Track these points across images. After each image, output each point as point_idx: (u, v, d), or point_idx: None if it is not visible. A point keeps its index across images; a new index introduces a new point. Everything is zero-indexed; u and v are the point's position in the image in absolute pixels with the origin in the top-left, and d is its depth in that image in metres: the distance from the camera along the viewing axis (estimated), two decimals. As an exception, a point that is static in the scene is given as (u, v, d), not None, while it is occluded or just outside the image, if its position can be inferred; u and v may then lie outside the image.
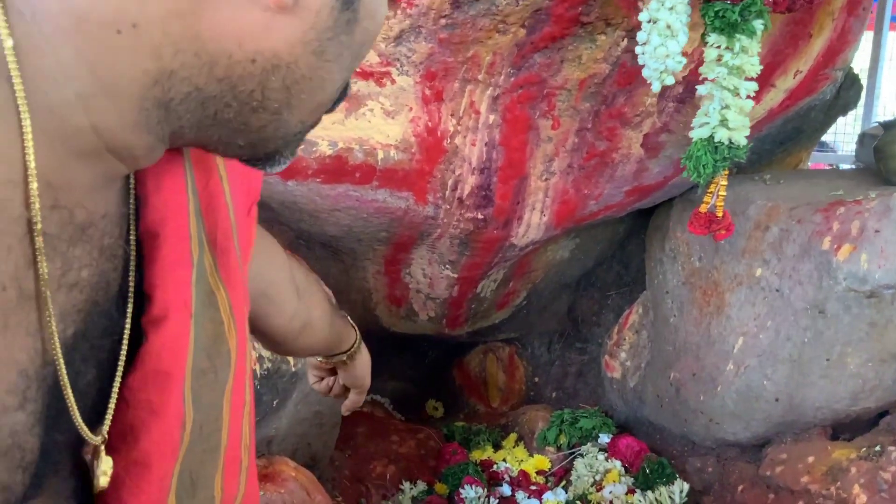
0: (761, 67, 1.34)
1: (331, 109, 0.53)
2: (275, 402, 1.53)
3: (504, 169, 1.88)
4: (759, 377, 1.86)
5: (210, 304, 0.57)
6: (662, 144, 1.88)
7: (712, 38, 1.30)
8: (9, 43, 0.39)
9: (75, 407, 0.48)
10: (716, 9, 1.27)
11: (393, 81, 1.70)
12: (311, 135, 1.76)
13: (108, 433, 0.52)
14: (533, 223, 2.02)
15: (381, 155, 1.80)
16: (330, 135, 1.75)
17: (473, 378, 2.83)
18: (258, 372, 1.46)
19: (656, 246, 2.27)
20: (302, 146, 1.73)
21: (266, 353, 1.48)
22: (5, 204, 0.39)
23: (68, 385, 0.46)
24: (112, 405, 0.52)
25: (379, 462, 2.19)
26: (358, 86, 1.69)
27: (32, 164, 0.40)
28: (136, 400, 0.52)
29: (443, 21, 1.54)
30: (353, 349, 1.06)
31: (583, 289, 2.74)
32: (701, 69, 1.37)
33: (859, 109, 3.37)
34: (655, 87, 1.31)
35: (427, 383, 2.89)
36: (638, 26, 1.57)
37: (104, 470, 0.51)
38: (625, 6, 1.53)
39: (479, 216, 1.96)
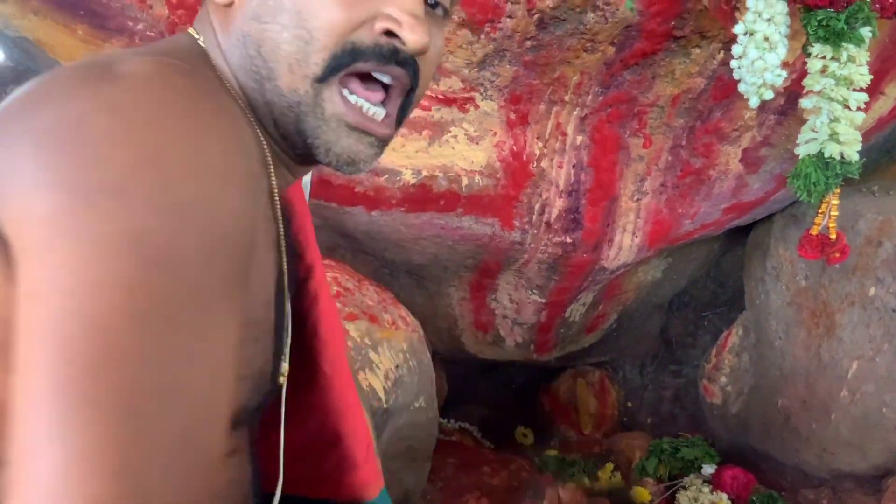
0: (871, 77, 1.24)
1: (322, 78, 0.59)
2: (367, 441, 1.49)
3: (593, 191, 1.81)
4: (877, 404, 1.73)
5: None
6: (763, 159, 1.77)
7: (816, 48, 1.21)
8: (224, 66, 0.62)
9: (290, 334, 0.68)
10: (819, 17, 1.17)
11: (476, 107, 1.66)
12: (395, 164, 1.74)
13: (318, 366, 0.78)
14: (625, 245, 1.94)
15: (465, 181, 1.76)
16: (414, 163, 1.72)
17: (563, 404, 2.75)
18: (349, 410, 1.43)
19: (756, 264, 2.15)
20: (385, 177, 1.70)
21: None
22: (264, 179, 0.59)
23: (290, 316, 0.68)
24: (288, 334, 0.69)
25: (471, 495, 2.12)
26: (441, 112, 1.65)
27: (270, 162, 0.61)
28: (331, 340, 0.79)
29: (528, 43, 1.49)
30: None
31: (676, 309, 2.63)
32: (805, 81, 1.27)
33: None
34: (753, 103, 1.22)
35: (515, 409, 2.82)
36: (735, 38, 1.49)
37: (283, 372, 0.66)
38: (722, 17, 1.44)
39: (568, 240, 1.89)
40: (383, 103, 0.61)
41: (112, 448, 0.41)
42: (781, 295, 2.02)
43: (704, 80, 1.58)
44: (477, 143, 1.71)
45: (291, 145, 0.62)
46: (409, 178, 1.73)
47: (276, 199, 0.61)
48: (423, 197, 1.76)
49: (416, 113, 1.65)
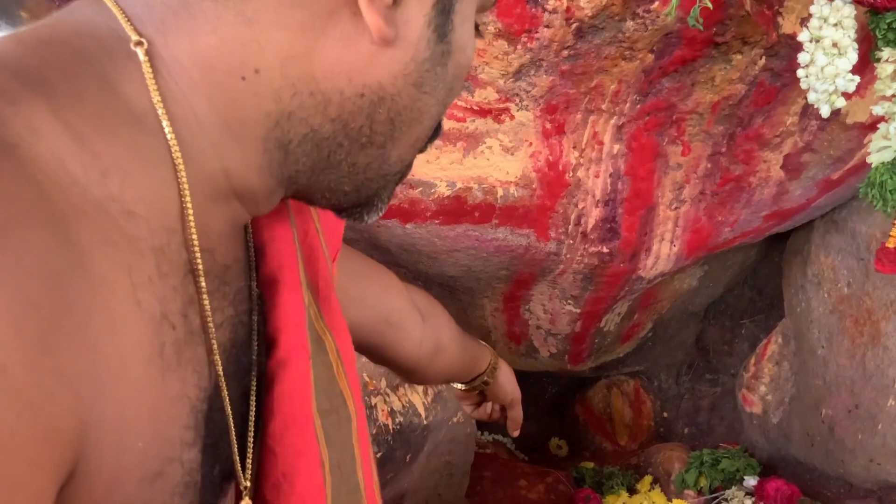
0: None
1: (423, 148, 0.54)
2: (407, 457, 1.47)
3: (630, 200, 1.78)
4: (929, 415, 1.68)
5: (320, 349, 0.59)
6: (805, 165, 1.73)
7: (885, 52, 1.17)
8: (156, 97, 0.41)
9: (235, 444, 0.50)
10: (888, 20, 1.14)
11: (512, 117, 1.64)
12: (430, 176, 1.72)
13: (258, 484, 0.53)
14: (662, 254, 1.91)
15: (500, 193, 1.74)
16: (448, 175, 1.70)
17: (598, 414, 2.71)
18: (391, 427, 1.41)
19: (796, 271, 2.11)
20: (419, 189, 1.69)
21: (398, 407, 1.43)
22: (168, 248, 0.42)
23: (231, 421, 0.48)
24: (251, 452, 0.52)
25: (508, 509, 2.10)
26: (476, 124, 1.64)
27: (190, 210, 0.43)
28: (282, 446, 0.53)
29: (565, 52, 1.47)
30: (489, 367, 1.03)
31: (712, 317, 2.59)
32: (875, 86, 1.23)
33: None
34: (825, 112, 1.18)
35: (549, 420, 2.79)
36: (778, 43, 1.46)
37: None
38: (763, 22, 1.41)
39: (605, 250, 1.87)
40: None
41: None
42: (823, 302, 1.98)
43: (745, 87, 1.55)
44: (512, 154, 1.69)
45: (326, 200, 0.52)
46: (443, 190, 1.71)
47: (199, 267, 0.44)
48: (457, 209, 1.75)
49: (450, 125, 1.63)
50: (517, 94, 1.59)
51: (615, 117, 1.64)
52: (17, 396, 0.32)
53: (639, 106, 1.61)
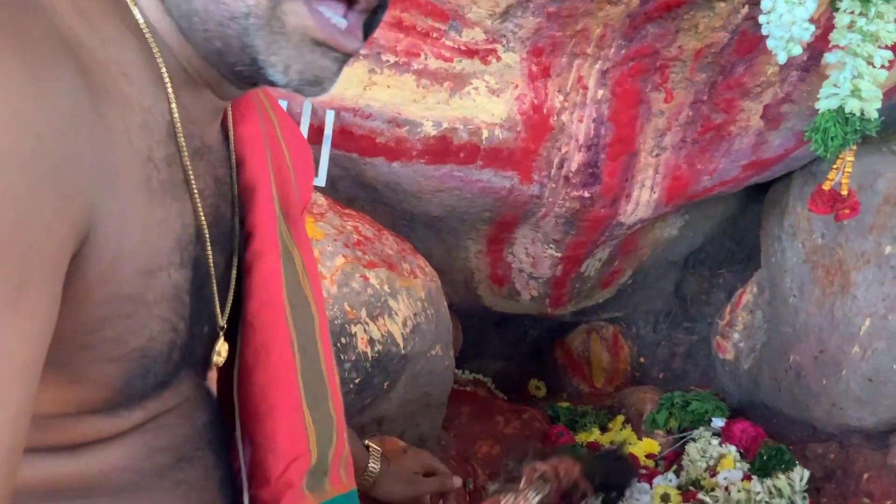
0: (899, 34, 1.24)
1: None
2: (385, 384, 1.53)
3: (612, 145, 1.82)
4: (888, 361, 1.75)
5: (288, 259, 0.68)
6: (784, 116, 1.77)
7: (845, 3, 1.20)
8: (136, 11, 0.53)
9: (216, 288, 0.61)
10: (852, -30, 1.17)
11: (498, 59, 1.66)
12: (416, 115, 1.75)
13: (242, 354, 0.65)
14: (642, 201, 1.95)
15: (485, 134, 1.77)
16: (434, 115, 1.73)
17: (576, 358, 2.78)
18: (369, 354, 1.46)
19: (774, 222, 2.16)
20: (405, 128, 1.71)
21: (377, 336, 1.48)
22: (154, 109, 0.52)
23: (213, 269, 0.59)
24: (230, 304, 0.64)
25: (484, 442, 2.18)
26: (463, 64, 1.66)
27: (169, 86, 0.53)
28: (259, 322, 0.64)
29: (551, -6, 1.49)
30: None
31: (691, 266, 2.64)
32: (831, 36, 1.27)
33: None
34: (781, 58, 1.22)
35: (529, 363, 2.86)
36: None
37: (219, 351, 0.64)
38: (747, -30, 1.44)
39: (586, 194, 1.91)
40: (345, 18, 0.55)
41: None
42: (797, 253, 2.03)
43: (728, 35, 1.58)
44: (498, 96, 1.72)
45: (225, 64, 0.55)
46: (429, 129, 1.74)
47: (180, 133, 0.54)
48: (443, 149, 1.78)
49: (437, 64, 1.65)
50: (504, 36, 1.62)
51: (600, 62, 1.67)
52: (49, 156, 0.42)
53: (623, 51, 1.63)
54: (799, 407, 2.02)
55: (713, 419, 2.14)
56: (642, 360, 2.72)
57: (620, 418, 2.31)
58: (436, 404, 1.86)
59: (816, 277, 1.96)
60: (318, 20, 0.52)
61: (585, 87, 1.71)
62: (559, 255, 2.21)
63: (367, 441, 1.08)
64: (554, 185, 1.90)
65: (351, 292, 1.48)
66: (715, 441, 2.07)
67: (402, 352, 1.54)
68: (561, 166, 1.86)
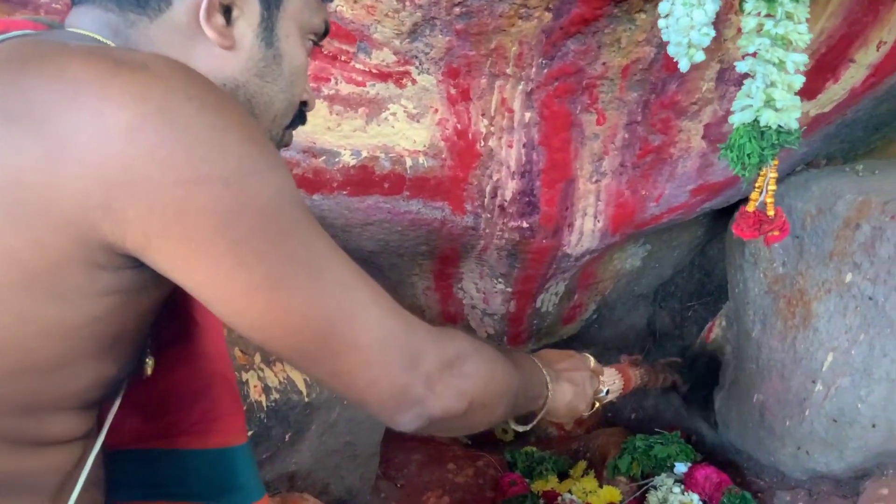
0: (811, 36, 1.11)
1: (292, 125, 0.81)
2: (287, 436, 1.40)
3: (547, 171, 1.70)
4: (853, 399, 1.59)
5: None
6: (727, 135, 1.64)
7: (749, 3, 1.08)
8: None
9: None
10: (752, -33, 1.05)
11: (414, 81, 1.56)
12: (333, 144, 1.64)
13: None
14: (586, 230, 1.82)
15: (409, 162, 1.66)
16: (352, 143, 1.62)
17: (545, 398, 2.63)
18: (264, 404, 1.34)
19: (736, 251, 2.02)
20: (322, 158, 1.61)
21: (273, 384, 1.36)
22: None
23: None
24: None
25: (433, 493, 2.03)
26: (377, 88, 1.56)
27: None
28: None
29: (457, 10, 1.39)
30: None
31: (661, 300, 2.50)
32: (739, 42, 1.15)
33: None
34: (683, 66, 1.10)
35: (495, 404, 2.71)
36: (681, 0, 1.37)
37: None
38: (662, -23, 1.32)
39: (525, 224, 1.78)
40: None
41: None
42: (759, 283, 1.89)
43: (654, 49, 1.46)
44: (418, 121, 1.62)
45: None
46: (348, 159, 1.64)
47: None
48: (365, 179, 1.67)
49: (349, 89, 1.55)
50: (416, 56, 1.51)
51: (522, 83, 1.56)
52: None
53: (545, 70, 1.52)
54: (765, 451, 1.86)
55: (676, 465, 1.98)
56: (615, 399, 2.57)
57: (582, 464, 2.16)
58: (364, 454, 1.72)
59: (778, 309, 1.82)
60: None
61: (511, 111, 1.60)
62: (510, 289, 2.08)
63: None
64: (489, 216, 1.78)
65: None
66: (677, 488, 1.92)
67: (306, 399, 1.42)
68: (494, 195, 1.74)
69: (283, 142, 0.81)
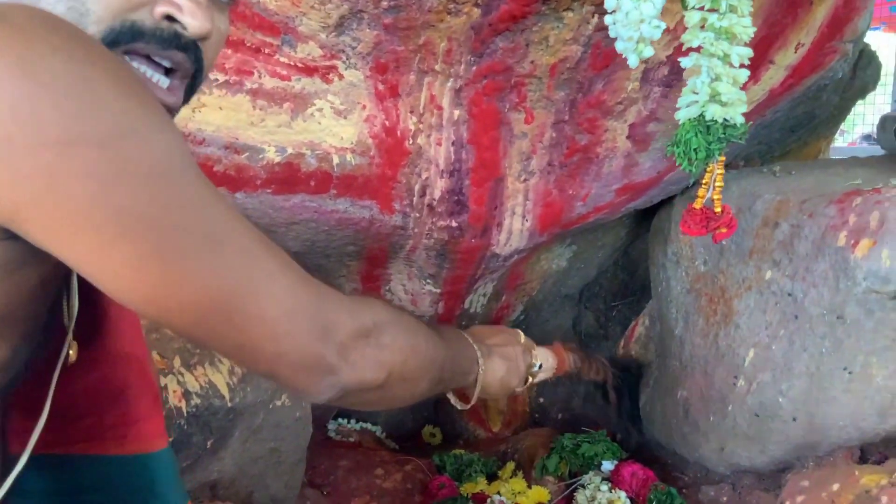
0: (754, 29, 1.13)
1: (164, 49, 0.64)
2: (209, 443, 1.35)
3: (476, 170, 1.69)
4: (774, 394, 1.64)
5: None
6: (652, 135, 1.67)
7: (693, -3, 1.10)
8: None
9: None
10: (695, -40, 1.06)
11: (341, 76, 1.52)
12: (256, 140, 1.59)
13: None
14: (514, 229, 1.82)
15: (336, 160, 1.63)
16: (277, 140, 1.58)
17: (473, 401, 2.62)
18: (184, 409, 1.28)
19: (658, 250, 2.05)
20: (245, 154, 1.56)
21: (194, 388, 1.30)
22: None
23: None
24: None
25: (361, 499, 1.99)
26: (302, 83, 1.52)
27: None
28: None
29: (385, 3, 1.36)
30: None
31: (586, 300, 2.53)
32: (683, 37, 1.16)
33: None
34: (632, 62, 1.10)
35: (423, 408, 2.68)
36: None
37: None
38: (589, -25, 1.33)
39: (454, 224, 1.77)
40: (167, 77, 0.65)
41: None
42: (681, 281, 1.93)
43: (581, 48, 1.47)
44: (345, 118, 1.58)
45: None
46: (272, 155, 1.59)
47: None
48: (290, 177, 1.63)
49: (273, 83, 1.51)
50: (343, 51, 1.48)
51: (451, 80, 1.54)
52: None
53: (474, 68, 1.51)
54: (690, 447, 1.90)
55: (603, 463, 2.00)
56: (542, 400, 2.58)
57: (511, 465, 2.16)
58: (290, 461, 1.67)
59: (700, 307, 1.85)
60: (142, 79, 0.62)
61: (440, 108, 1.59)
62: (438, 290, 2.06)
63: None
64: (418, 215, 1.76)
65: (162, 338, 1.30)
66: (605, 486, 1.93)
67: (229, 404, 1.36)
68: (423, 194, 1.72)
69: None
